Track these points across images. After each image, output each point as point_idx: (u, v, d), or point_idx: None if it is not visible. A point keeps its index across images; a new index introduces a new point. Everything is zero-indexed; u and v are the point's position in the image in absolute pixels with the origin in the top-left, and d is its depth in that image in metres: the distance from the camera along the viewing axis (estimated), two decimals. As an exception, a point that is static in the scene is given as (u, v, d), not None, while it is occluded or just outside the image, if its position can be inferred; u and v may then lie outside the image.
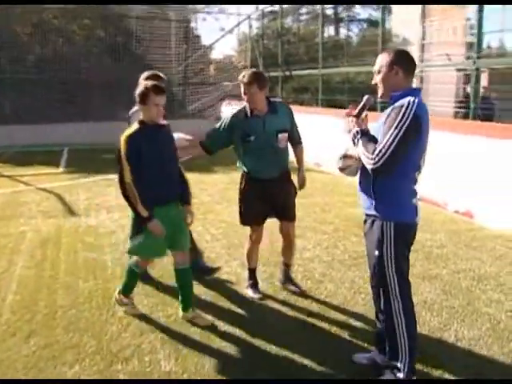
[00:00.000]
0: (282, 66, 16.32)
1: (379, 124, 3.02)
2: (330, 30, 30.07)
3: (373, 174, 2.97)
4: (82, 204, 8.14)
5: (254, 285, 4.69)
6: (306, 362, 3.55)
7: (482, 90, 10.48)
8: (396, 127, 2.83)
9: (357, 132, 3.06)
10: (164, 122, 3.95)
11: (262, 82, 4.26)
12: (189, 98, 19.17)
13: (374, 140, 2.98)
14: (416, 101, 2.89)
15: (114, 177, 10.07)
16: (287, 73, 16.22)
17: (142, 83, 3.86)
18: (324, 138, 10.07)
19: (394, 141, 2.82)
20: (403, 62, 3.06)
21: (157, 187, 3.75)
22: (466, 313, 4.26)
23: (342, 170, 3.22)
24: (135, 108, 4.49)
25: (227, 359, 3.59)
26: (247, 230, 4.69)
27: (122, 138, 3.74)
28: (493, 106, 10.65)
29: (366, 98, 3.23)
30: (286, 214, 4.57)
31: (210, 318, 4.15)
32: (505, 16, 11.67)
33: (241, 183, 4.55)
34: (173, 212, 3.94)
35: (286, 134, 4.39)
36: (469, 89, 11.42)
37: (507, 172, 6.63)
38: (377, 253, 3.06)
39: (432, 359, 3.53)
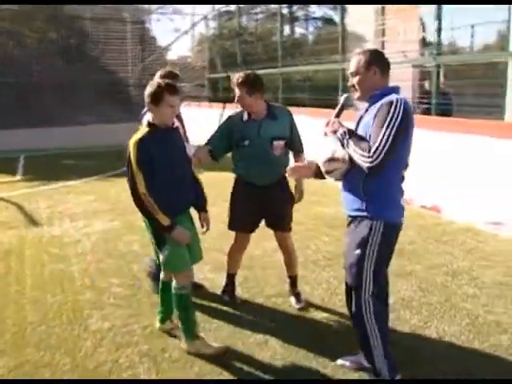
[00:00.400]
0: (241, 65, 16.22)
1: (366, 122, 2.96)
2: (286, 29, 30.13)
3: (363, 174, 2.90)
4: (43, 213, 7.85)
5: (231, 290, 4.57)
6: (289, 367, 3.48)
7: (441, 86, 10.61)
8: (389, 124, 2.79)
9: (344, 132, 2.96)
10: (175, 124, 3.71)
11: (252, 87, 4.03)
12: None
13: (363, 138, 2.91)
14: (401, 98, 2.88)
15: (75, 183, 9.74)
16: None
17: (154, 81, 3.49)
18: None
19: (389, 137, 2.77)
20: (379, 61, 3.04)
21: (169, 195, 3.43)
22: (444, 309, 4.26)
23: (328, 173, 3.10)
24: (146, 108, 4.33)
25: (209, 370, 3.47)
26: (224, 233, 4.57)
27: (132, 143, 3.39)
28: (452, 101, 10.80)
29: (343, 97, 3.17)
30: (280, 224, 4.37)
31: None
32: (454, 15, 11.94)
33: (233, 187, 4.43)
34: (187, 222, 3.66)
35: (281, 142, 4.15)
36: (427, 85, 11.62)
37: (472, 166, 6.72)
38: (358, 251, 2.99)
39: (416, 357, 3.52)
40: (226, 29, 19.44)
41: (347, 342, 3.71)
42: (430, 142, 7.17)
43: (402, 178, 3.04)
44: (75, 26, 18.32)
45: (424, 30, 19.87)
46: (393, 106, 2.81)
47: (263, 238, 5.82)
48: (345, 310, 4.12)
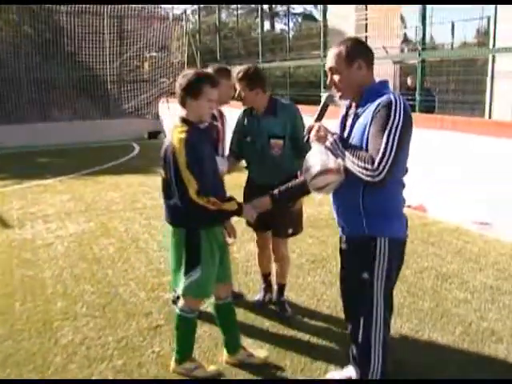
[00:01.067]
0: (221, 61, 15.94)
1: (361, 126, 2.52)
2: (266, 25, 29.93)
3: (361, 187, 2.51)
4: (15, 214, 7.51)
5: (266, 291, 4.39)
6: (277, 379, 3.26)
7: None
8: (391, 129, 2.38)
9: (335, 141, 2.50)
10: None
11: (253, 82, 3.79)
12: (124, 96, 18.46)
13: (360, 147, 2.48)
14: (398, 95, 2.50)
15: (50, 182, 9.37)
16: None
17: (191, 71, 3.04)
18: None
19: (393, 144, 2.37)
20: (363, 52, 2.61)
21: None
22: (436, 316, 4.07)
23: (319, 189, 2.60)
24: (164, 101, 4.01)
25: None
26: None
27: (177, 144, 2.91)
28: (434, 97, 10.69)
29: (325, 96, 2.74)
30: (277, 229, 4.05)
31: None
32: (433, 12, 11.87)
33: (245, 182, 4.21)
34: (220, 234, 3.27)
35: (279, 141, 3.83)
36: (409, 81, 11.50)
37: (458, 164, 6.56)
38: (366, 275, 2.56)
39: (408, 369, 3.32)
40: (206, 24, 19.15)
41: (336, 352, 3.52)
42: (415, 139, 6.98)
43: (403, 186, 2.66)
44: (51, 20, 17.81)
45: (405, 27, 19.81)
46: (392, 108, 2.42)
47: (246, 239, 5.66)
48: (332, 318, 3.99)
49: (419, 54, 7.94)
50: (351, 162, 2.43)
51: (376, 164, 2.35)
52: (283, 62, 13.67)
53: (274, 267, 4.28)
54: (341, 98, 2.68)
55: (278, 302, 4.22)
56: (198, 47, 17.37)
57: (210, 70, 3.87)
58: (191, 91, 2.96)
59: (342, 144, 2.49)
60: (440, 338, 3.76)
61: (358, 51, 2.57)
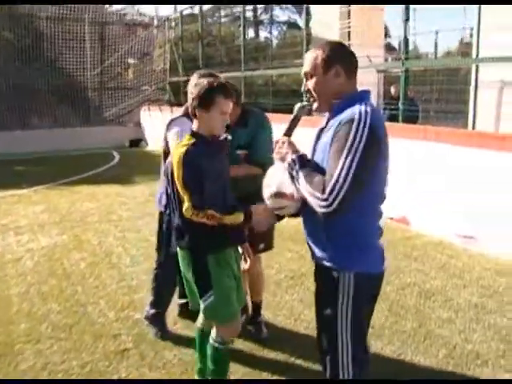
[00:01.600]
0: (203, 68, 15.76)
1: (323, 145, 2.21)
2: (250, 33, 29.83)
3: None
4: (-15, 226, 7.23)
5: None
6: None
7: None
8: (349, 150, 2.04)
9: (293, 161, 2.21)
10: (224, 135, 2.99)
11: None
12: (106, 104, 18.21)
13: (318, 169, 2.18)
14: (368, 108, 2.12)
15: (25, 192, 9.08)
16: (209, 76, 15.65)
17: (204, 80, 2.76)
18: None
19: (349, 170, 2.02)
20: (343, 57, 2.27)
21: (222, 227, 2.73)
22: (418, 337, 3.89)
23: (275, 210, 2.40)
24: (178, 114, 3.71)
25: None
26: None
27: (176, 156, 2.70)
28: (418, 107, 10.59)
29: (297, 107, 2.47)
30: (253, 243, 3.62)
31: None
32: (416, 21, 11.79)
33: None
34: (234, 258, 2.96)
35: (245, 152, 3.63)
36: (392, 90, 11.40)
37: (442, 176, 6.42)
38: (328, 311, 2.27)
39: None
40: (188, 31, 18.95)
41: (314, 375, 3.31)
42: (397, 149, 6.84)
43: (380, 215, 2.29)
44: (31, 25, 17.50)
45: (389, 36, 19.80)
46: (354, 125, 2.06)
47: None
48: (309, 339, 3.75)
49: (403, 64, 7.82)
50: (303, 188, 2.15)
51: (327, 193, 2.04)
52: (266, 70, 13.52)
53: (247, 285, 4.05)
54: (317, 110, 2.33)
55: (254, 322, 4.00)
56: (181, 55, 17.17)
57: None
58: (203, 102, 2.70)
59: (300, 165, 2.19)
60: (423, 360, 3.58)
61: (337, 56, 2.25)
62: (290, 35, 27.76)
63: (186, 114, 3.69)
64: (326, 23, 13.28)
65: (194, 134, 2.78)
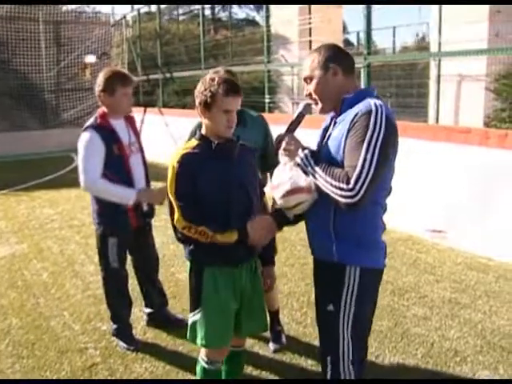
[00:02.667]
0: (162, 67, 15.49)
1: (335, 139, 2.20)
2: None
3: (333, 206, 2.17)
4: None
5: None
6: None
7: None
8: (370, 141, 2.04)
9: (305, 156, 2.19)
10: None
11: None
12: (63, 106, 17.70)
13: (334, 163, 2.15)
14: (380, 102, 2.15)
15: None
16: (168, 75, 15.41)
17: (204, 79, 2.56)
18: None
19: (372, 159, 2.03)
20: (339, 57, 2.31)
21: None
22: (396, 337, 3.82)
23: (289, 209, 2.32)
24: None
25: None
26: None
27: (172, 162, 2.50)
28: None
29: (303, 105, 2.44)
30: (267, 257, 3.41)
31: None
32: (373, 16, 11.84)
33: None
34: (244, 278, 2.67)
35: None
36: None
37: (409, 171, 6.39)
38: (330, 308, 2.24)
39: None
40: (146, 30, 18.62)
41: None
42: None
43: (385, 209, 2.31)
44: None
45: (347, 32, 19.91)
46: (372, 116, 2.07)
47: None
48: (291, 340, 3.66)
49: (365, 59, 7.78)
50: (323, 181, 2.12)
51: (352, 183, 2.03)
52: (227, 68, 13.36)
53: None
54: (321, 111, 2.35)
55: (274, 331, 3.73)
56: (139, 54, 16.84)
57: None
58: (203, 101, 2.50)
59: (315, 160, 2.17)
60: (402, 361, 3.50)
61: (333, 56, 2.29)
62: (248, 32, 27.70)
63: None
64: (285, 20, 13.22)
65: (200, 137, 2.59)
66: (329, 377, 2.29)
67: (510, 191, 5.37)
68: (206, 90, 2.48)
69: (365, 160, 2.03)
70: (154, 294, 4.12)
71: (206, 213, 2.49)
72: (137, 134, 3.84)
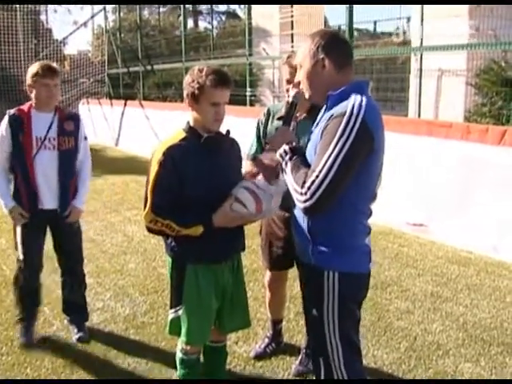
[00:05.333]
0: (143, 60, 15.35)
1: (313, 139, 2.12)
2: (189, 23, 29.37)
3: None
4: None
5: (273, 339, 3.64)
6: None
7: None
8: (336, 145, 1.93)
9: (284, 152, 2.12)
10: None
11: None
12: (42, 98, 17.47)
13: (307, 163, 2.09)
14: (363, 102, 2.01)
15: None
16: (148, 67, 15.28)
17: (194, 68, 2.48)
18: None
19: (332, 166, 1.92)
20: (333, 49, 2.13)
21: (205, 236, 2.45)
22: (379, 331, 3.83)
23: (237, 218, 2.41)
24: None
25: None
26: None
27: (157, 153, 2.45)
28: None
29: (293, 93, 2.37)
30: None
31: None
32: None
33: None
34: (226, 275, 2.65)
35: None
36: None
37: (390, 165, 6.40)
38: (314, 312, 2.19)
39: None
40: (127, 21, 18.45)
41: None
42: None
43: (368, 215, 2.19)
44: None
45: (328, 26, 19.99)
46: (344, 119, 1.96)
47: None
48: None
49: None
50: (288, 180, 2.08)
51: (305, 187, 1.95)
52: (207, 60, 13.28)
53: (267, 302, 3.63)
54: (310, 99, 2.26)
55: (306, 354, 3.40)
56: (119, 46, 16.66)
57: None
58: (191, 92, 2.43)
59: (290, 156, 2.10)
60: (385, 355, 3.51)
61: (325, 47, 2.13)
62: (229, 25, 27.55)
63: None
64: (266, 14, 13.18)
65: (188, 129, 2.53)
66: (322, 377, 2.23)
67: (490, 185, 5.42)
68: (193, 81, 2.42)
69: (324, 165, 1.94)
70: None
71: (182, 210, 2.45)
72: (66, 131, 3.63)
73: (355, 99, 2.02)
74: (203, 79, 2.39)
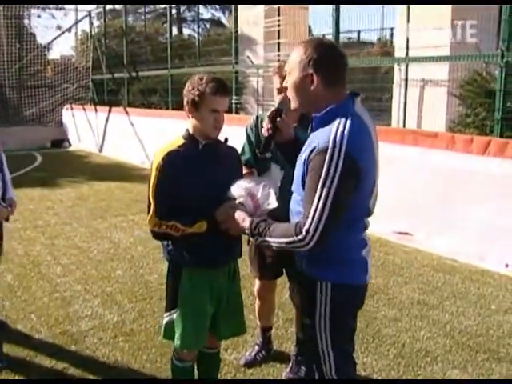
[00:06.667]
0: (128, 66, 15.32)
1: (300, 164, 2.08)
2: (173, 30, 29.36)
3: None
4: None
5: (263, 346, 3.65)
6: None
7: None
8: (324, 185, 1.92)
9: (250, 229, 2.16)
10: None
11: None
12: (25, 103, 17.32)
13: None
14: (346, 129, 1.95)
15: None
16: (133, 74, 15.25)
17: (193, 77, 2.52)
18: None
19: (324, 206, 1.92)
20: (322, 63, 2.03)
21: (202, 241, 2.47)
22: (367, 338, 3.87)
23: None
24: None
25: None
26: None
27: (156, 159, 2.48)
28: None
29: (279, 99, 2.44)
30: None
31: None
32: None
33: None
34: (222, 280, 2.66)
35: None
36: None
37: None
38: (307, 321, 2.18)
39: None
40: (112, 27, 18.38)
41: None
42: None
43: (363, 228, 2.19)
44: None
45: (312, 35, 20.15)
46: (327, 156, 1.92)
47: (158, 258, 5.31)
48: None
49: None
50: (278, 244, 2.06)
51: (304, 232, 1.95)
52: (193, 68, 13.29)
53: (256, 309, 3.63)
54: (295, 110, 2.21)
55: (296, 362, 3.42)
56: (104, 51, 16.61)
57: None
58: (191, 99, 2.46)
59: (259, 231, 2.11)
60: (375, 362, 3.54)
61: (316, 61, 2.03)
62: (214, 33, 27.63)
63: None
64: (252, 22, 13.25)
65: (187, 136, 2.56)
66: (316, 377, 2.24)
67: (474, 195, 5.51)
68: (193, 88, 2.45)
69: (316, 209, 1.93)
70: None
71: (184, 212, 2.46)
72: None
73: (338, 127, 1.97)
74: (203, 87, 2.42)
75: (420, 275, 5.15)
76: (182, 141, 2.55)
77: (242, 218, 2.25)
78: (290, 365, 3.43)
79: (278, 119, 2.41)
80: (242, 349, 3.71)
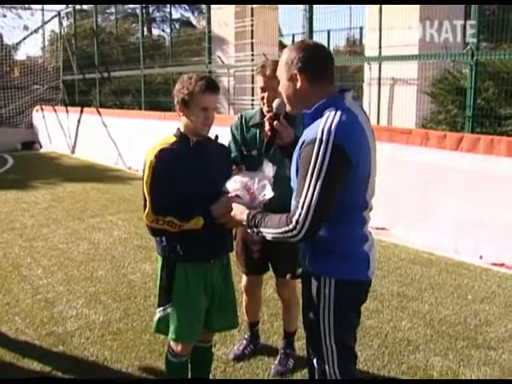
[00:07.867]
0: (99, 67, 15.20)
1: (294, 159, 2.16)
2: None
3: None
4: None
5: (251, 341, 3.70)
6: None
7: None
8: (312, 174, 1.98)
9: (247, 221, 2.22)
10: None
11: None
12: (-7, 105, 17.04)
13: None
14: (335, 121, 2.01)
15: None
16: (105, 74, 15.14)
17: (183, 77, 2.59)
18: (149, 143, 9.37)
19: (313, 194, 1.97)
20: (306, 62, 2.11)
21: (196, 235, 2.52)
22: (351, 330, 3.97)
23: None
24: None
25: None
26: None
27: (149, 157, 2.54)
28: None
29: (276, 103, 2.44)
30: (285, 267, 3.39)
31: None
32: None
33: None
34: (216, 274, 2.73)
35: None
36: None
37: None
38: (311, 316, 2.22)
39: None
40: (82, 28, 18.19)
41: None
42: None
43: (363, 222, 2.21)
44: None
45: (281, 34, 20.27)
46: (315, 147, 1.98)
47: (140, 258, 5.35)
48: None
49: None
50: (272, 236, 2.12)
51: (294, 222, 2.01)
52: (166, 68, 13.27)
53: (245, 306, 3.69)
54: (290, 112, 2.29)
55: (284, 354, 3.53)
56: (75, 52, 16.43)
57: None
58: (181, 98, 2.53)
59: (255, 222, 2.18)
60: (359, 353, 3.58)
61: (299, 62, 2.11)
62: (183, 33, 27.56)
63: None
64: (222, 22, 13.29)
65: (179, 134, 2.63)
66: (316, 377, 2.28)
67: (448, 189, 5.68)
68: (183, 87, 2.52)
69: (305, 198, 1.99)
70: None
71: (178, 208, 2.52)
72: None
73: (326, 119, 2.03)
74: (193, 85, 2.49)
75: (398, 268, 5.29)
76: (173, 139, 2.62)
77: (240, 211, 2.30)
78: (279, 357, 3.51)
79: (276, 123, 2.46)
80: (230, 344, 3.77)
